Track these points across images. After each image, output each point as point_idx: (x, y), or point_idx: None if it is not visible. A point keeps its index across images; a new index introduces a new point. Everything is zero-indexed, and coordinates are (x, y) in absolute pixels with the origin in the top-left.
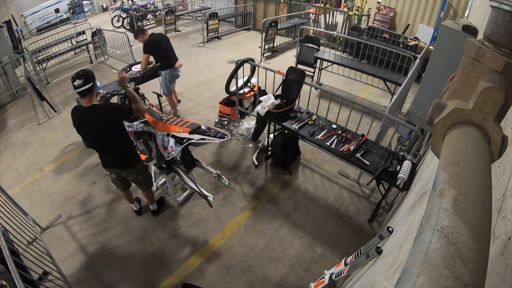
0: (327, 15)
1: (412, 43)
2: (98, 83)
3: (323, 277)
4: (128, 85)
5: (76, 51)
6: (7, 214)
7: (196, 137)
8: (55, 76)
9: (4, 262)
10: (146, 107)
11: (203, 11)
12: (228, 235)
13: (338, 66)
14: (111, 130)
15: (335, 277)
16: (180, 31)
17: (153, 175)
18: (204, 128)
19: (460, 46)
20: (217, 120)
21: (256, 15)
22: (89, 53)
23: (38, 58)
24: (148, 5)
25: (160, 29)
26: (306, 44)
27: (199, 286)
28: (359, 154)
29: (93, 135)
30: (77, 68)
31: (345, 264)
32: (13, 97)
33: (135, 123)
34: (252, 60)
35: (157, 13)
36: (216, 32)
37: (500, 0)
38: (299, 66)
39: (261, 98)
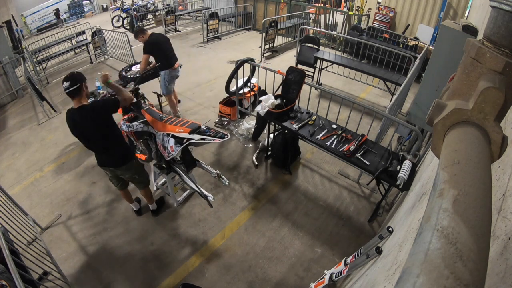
0: (327, 15)
1: (412, 43)
2: (97, 84)
3: (323, 277)
4: (109, 80)
5: (76, 51)
6: (7, 214)
7: (196, 137)
8: (55, 76)
9: (4, 262)
10: (146, 107)
11: (203, 11)
12: (228, 235)
13: (338, 66)
14: (102, 128)
15: (335, 277)
16: (180, 31)
17: (153, 175)
18: (204, 128)
19: (460, 46)
20: (217, 120)
21: (256, 15)
22: (89, 53)
23: (38, 58)
24: (148, 5)
25: (160, 29)
26: (306, 44)
27: (199, 286)
28: (359, 154)
29: (86, 135)
30: (77, 68)
31: (345, 264)
32: (13, 97)
33: (135, 123)
34: (252, 60)
35: (157, 13)
36: (216, 32)
37: (500, 0)
38: (299, 66)
39: (261, 98)
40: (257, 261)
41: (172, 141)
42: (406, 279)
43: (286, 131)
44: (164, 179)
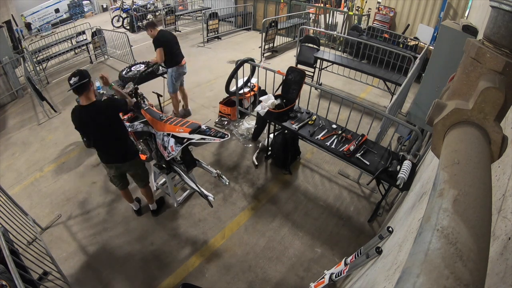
0: (327, 15)
1: (412, 43)
2: (97, 83)
3: (323, 277)
4: (111, 84)
5: (76, 51)
6: (7, 214)
7: (196, 137)
8: (55, 76)
9: (4, 262)
10: (146, 107)
11: (203, 11)
12: (228, 235)
13: (338, 66)
14: (111, 125)
15: (335, 277)
16: (180, 31)
17: (153, 175)
18: (204, 128)
19: (460, 46)
20: (217, 120)
21: (256, 15)
22: (89, 53)
23: (38, 58)
24: (148, 5)
25: None
26: (306, 44)
27: (199, 286)
28: (359, 154)
29: (94, 132)
30: (77, 68)
31: (345, 264)
32: (13, 97)
33: (135, 123)
34: (252, 60)
35: (157, 13)
36: (216, 32)
37: (500, 0)
38: (299, 66)
39: (261, 98)
40: (257, 261)
41: (172, 141)
42: (406, 279)
43: (286, 131)
44: (164, 179)
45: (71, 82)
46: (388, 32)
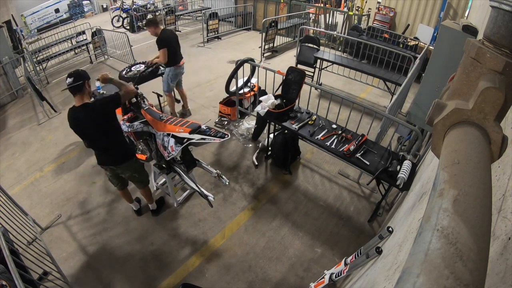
0: (327, 15)
1: (412, 43)
2: (97, 84)
3: (323, 277)
4: (112, 77)
5: (76, 51)
6: (7, 214)
7: (196, 137)
8: (55, 76)
9: (4, 262)
10: (146, 107)
11: (203, 11)
12: (228, 235)
13: (338, 66)
14: (103, 126)
15: (335, 277)
16: (180, 31)
17: (153, 175)
18: (204, 128)
19: (460, 46)
20: (217, 120)
21: (256, 15)
22: (89, 53)
23: (38, 58)
24: (148, 5)
25: None
26: (306, 44)
27: (199, 286)
28: (359, 154)
29: (88, 133)
30: (77, 68)
31: (345, 264)
32: (13, 97)
33: (135, 123)
34: (252, 60)
35: (157, 13)
36: (216, 32)
37: (500, 0)
38: (299, 66)
39: (261, 98)
40: (257, 261)
41: (172, 141)
42: (406, 279)
43: (286, 131)
44: (164, 179)
45: (67, 82)
46: (388, 32)
